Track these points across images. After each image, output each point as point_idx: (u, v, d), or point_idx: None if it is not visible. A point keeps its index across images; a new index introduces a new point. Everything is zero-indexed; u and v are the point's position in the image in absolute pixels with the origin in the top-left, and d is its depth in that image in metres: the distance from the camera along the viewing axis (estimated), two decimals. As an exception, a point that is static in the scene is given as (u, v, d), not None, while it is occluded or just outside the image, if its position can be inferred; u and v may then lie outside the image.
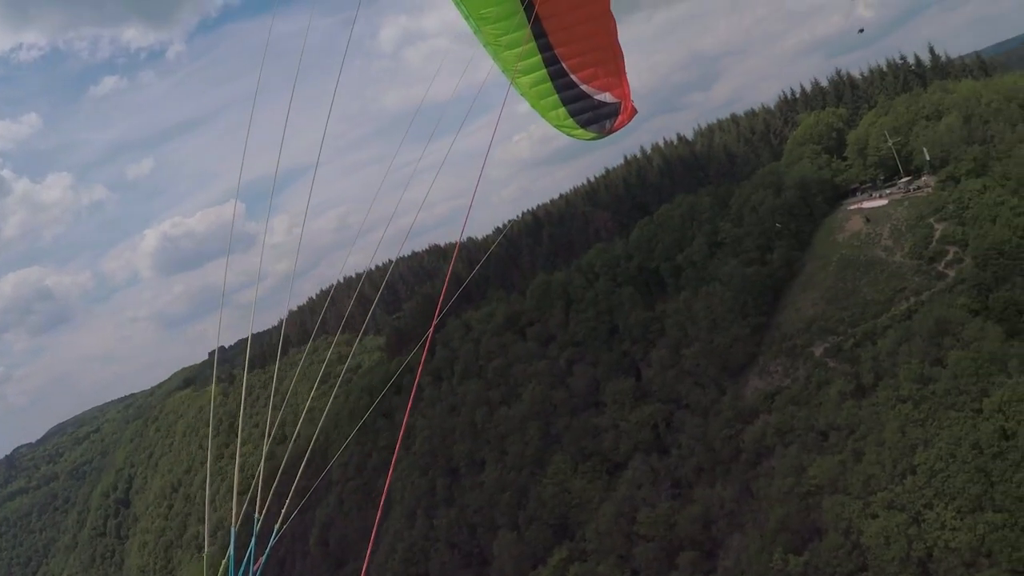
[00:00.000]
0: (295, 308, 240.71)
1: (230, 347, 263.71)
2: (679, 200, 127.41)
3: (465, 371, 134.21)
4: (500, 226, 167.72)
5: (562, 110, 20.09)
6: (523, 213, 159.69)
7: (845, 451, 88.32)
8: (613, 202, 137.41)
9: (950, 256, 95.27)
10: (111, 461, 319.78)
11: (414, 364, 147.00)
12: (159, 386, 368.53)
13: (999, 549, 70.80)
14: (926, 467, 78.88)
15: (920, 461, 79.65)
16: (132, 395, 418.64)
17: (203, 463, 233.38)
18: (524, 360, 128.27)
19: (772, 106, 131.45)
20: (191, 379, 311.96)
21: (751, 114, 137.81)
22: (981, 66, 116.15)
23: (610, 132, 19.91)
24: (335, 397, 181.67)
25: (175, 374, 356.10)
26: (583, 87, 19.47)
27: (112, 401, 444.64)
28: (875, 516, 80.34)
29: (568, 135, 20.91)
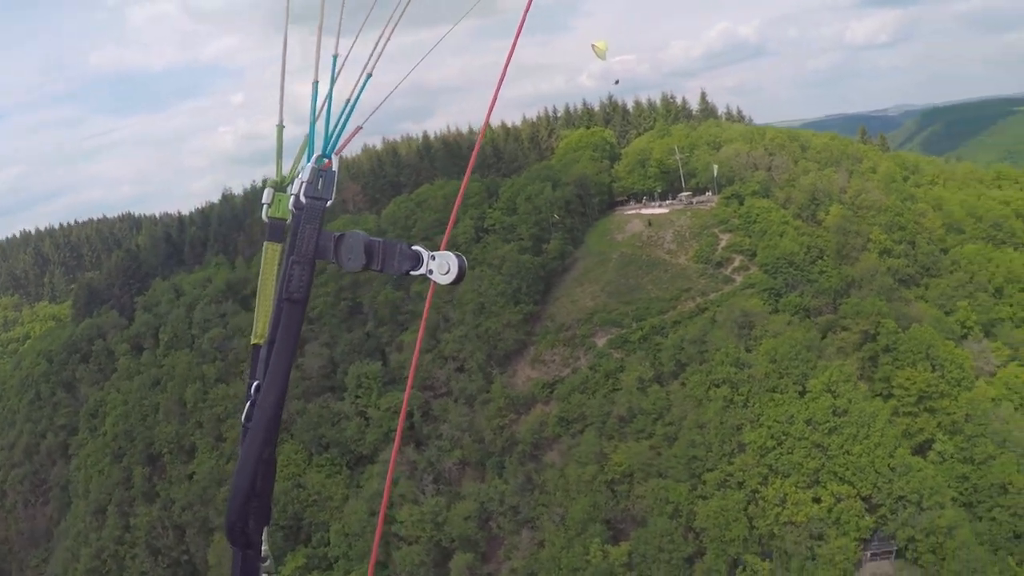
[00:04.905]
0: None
1: None
2: (441, 184, 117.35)
3: (173, 340, 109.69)
4: (203, 205, 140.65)
5: None
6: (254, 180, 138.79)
7: (655, 435, 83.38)
8: (363, 177, 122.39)
9: (736, 263, 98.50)
10: None
11: (106, 329, 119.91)
12: None
13: (847, 519, 70.01)
14: (756, 445, 76.84)
15: (749, 440, 77.42)
16: None
17: None
18: (246, 333, 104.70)
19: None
20: None
21: (504, 126, 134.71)
22: (740, 118, 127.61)
23: None
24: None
25: None
26: None
27: None
28: (706, 497, 75.51)
29: None
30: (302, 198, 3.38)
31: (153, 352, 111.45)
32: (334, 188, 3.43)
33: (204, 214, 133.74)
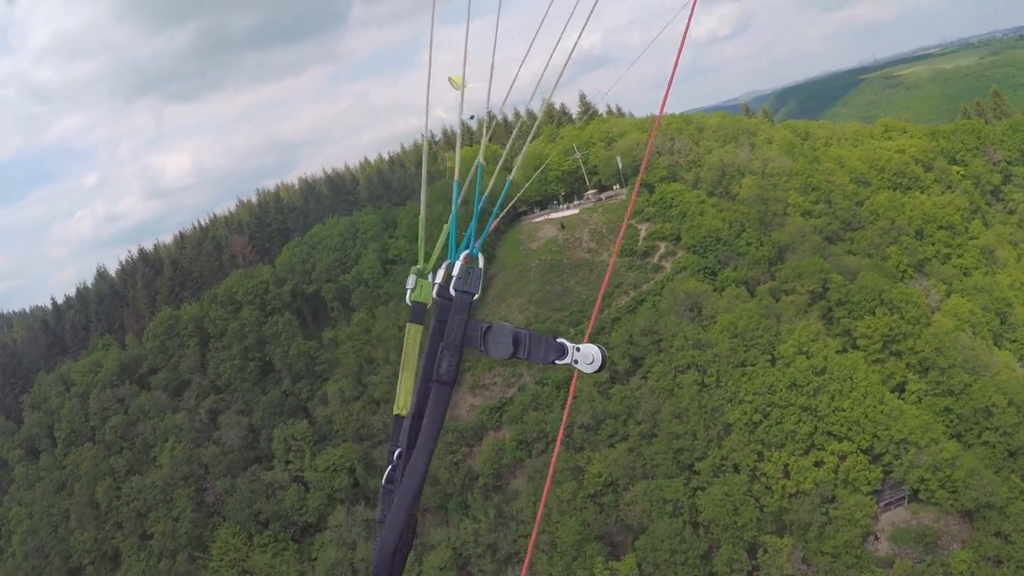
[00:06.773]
0: None
1: None
2: (334, 221, 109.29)
3: (72, 436, 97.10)
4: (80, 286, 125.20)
5: None
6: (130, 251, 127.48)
7: (631, 436, 78.48)
8: (247, 229, 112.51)
9: (662, 250, 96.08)
10: None
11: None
12: None
13: (854, 476, 67.45)
14: (742, 423, 73.43)
15: (734, 419, 73.93)
16: None
17: None
18: (152, 415, 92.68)
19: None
20: None
21: (381, 157, 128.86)
22: (620, 113, 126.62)
23: None
24: None
25: None
26: None
27: None
28: (704, 488, 71.09)
29: None
30: (451, 290, 3.50)
31: (51, 453, 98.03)
32: (480, 283, 3.53)
33: (81, 296, 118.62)
